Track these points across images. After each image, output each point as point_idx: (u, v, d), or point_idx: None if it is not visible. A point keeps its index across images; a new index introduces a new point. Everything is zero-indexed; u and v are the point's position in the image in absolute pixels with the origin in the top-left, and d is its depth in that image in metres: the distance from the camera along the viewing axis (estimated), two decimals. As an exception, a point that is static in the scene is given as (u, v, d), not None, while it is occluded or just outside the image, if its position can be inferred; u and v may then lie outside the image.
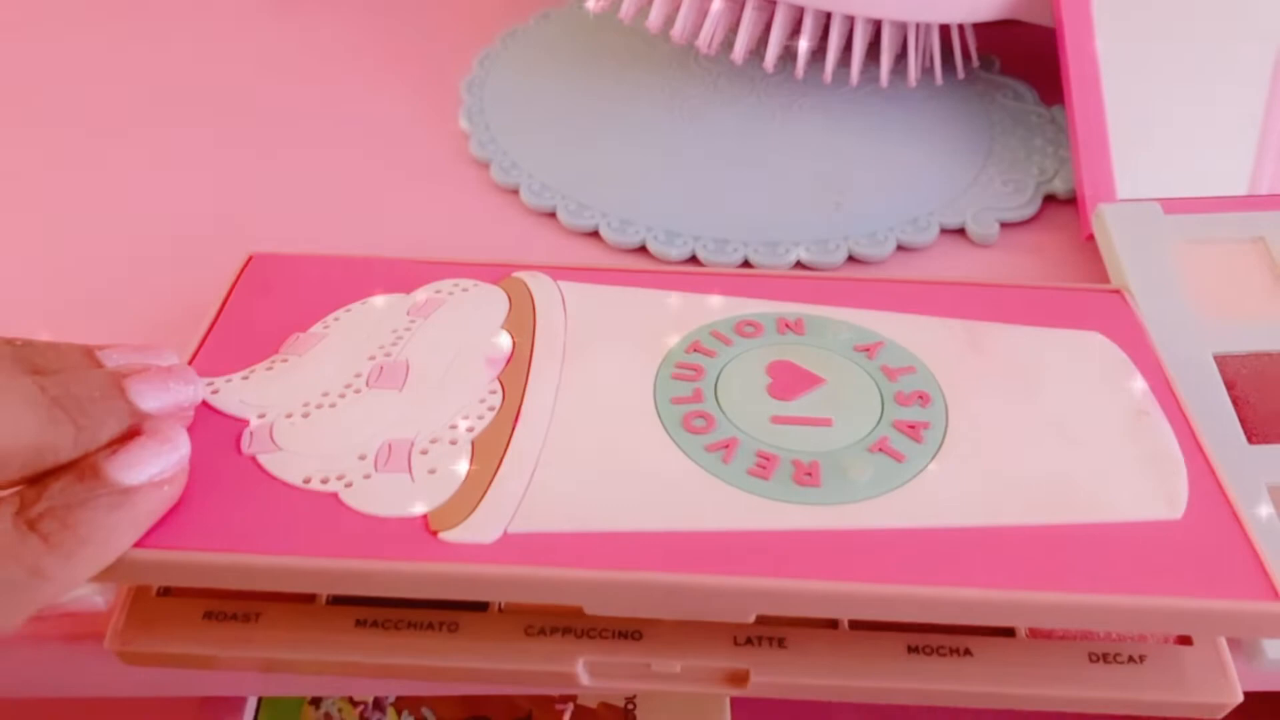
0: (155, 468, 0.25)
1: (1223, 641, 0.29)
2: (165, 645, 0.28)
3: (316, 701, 0.36)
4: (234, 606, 0.29)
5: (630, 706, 0.33)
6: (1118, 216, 0.38)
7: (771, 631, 0.29)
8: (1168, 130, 0.40)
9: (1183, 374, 0.34)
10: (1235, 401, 0.33)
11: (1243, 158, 0.40)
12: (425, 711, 0.34)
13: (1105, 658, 0.28)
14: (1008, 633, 0.29)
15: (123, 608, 0.29)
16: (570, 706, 0.33)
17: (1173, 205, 0.38)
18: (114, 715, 0.42)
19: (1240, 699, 0.28)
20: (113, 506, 0.24)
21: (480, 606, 0.29)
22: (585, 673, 0.28)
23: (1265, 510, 0.31)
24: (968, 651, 0.28)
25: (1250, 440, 0.32)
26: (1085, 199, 0.39)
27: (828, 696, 0.28)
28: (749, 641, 0.28)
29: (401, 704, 0.35)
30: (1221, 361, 0.34)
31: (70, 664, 0.30)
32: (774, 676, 0.28)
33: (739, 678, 0.28)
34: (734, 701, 0.40)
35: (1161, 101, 0.40)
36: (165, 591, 0.29)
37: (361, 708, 0.35)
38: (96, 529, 0.24)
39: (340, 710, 0.35)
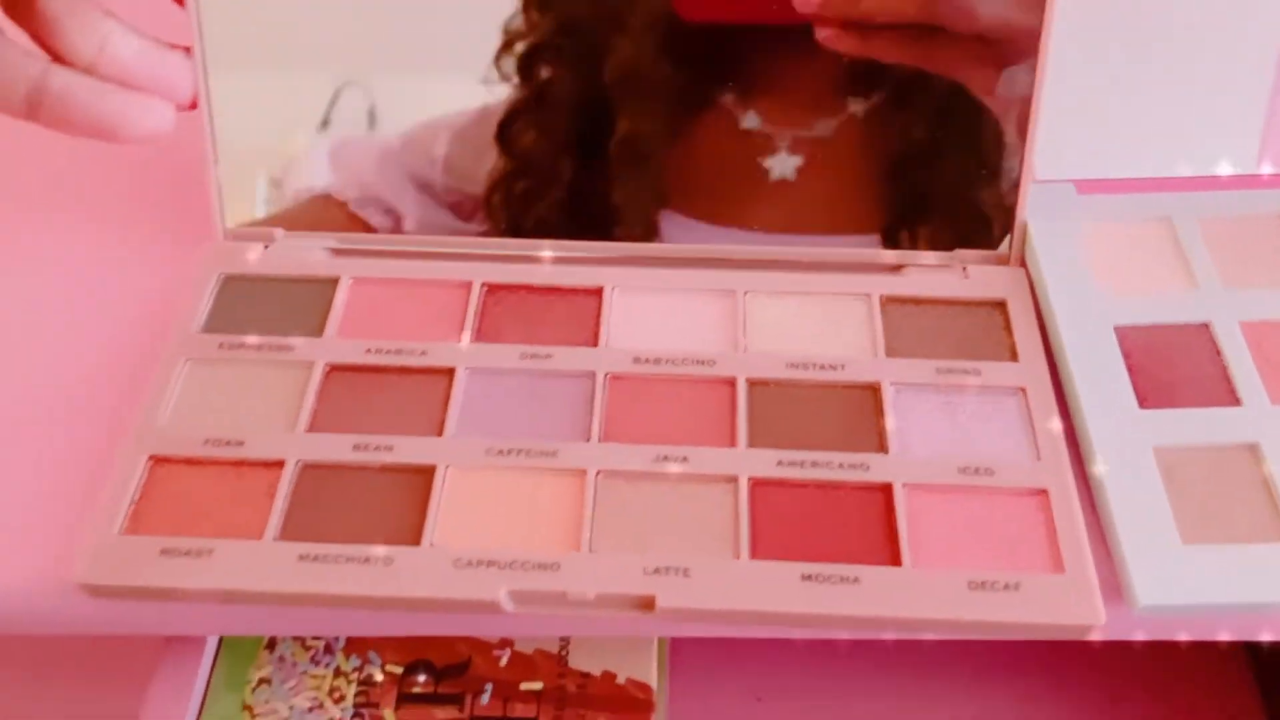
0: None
1: (1091, 569, 0.31)
2: (127, 578, 0.31)
3: (272, 645, 0.39)
4: (188, 544, 0.31)
5: (564, 652, 0.35)
6: (1032, 196, 0.39)
7: (677, 562, 0.31)
8: (1117, 108, 0.42)
9: (1083, 344, 0.36)
10: (1130, 370, 0.35)
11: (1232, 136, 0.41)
12: (371, 654, 0.36)
13: (984, 585, 0.31)
14: (895, 562, 0.32)
15: (86, 545, 0.32)
16: (507, 651, 0.35)
17: (1086, 186, 0.40)
18: (79, 657, 0.45)
19: (1103, 620, 0.31)
20: None
21: (414, 541, 0.32)
22: (508, 600, 0.31)
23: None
24: (856, 580, 0.31)
25: (1141, 405, 0.35)
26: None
27: (728, 621, 0.31)
28: (657, 571, 0.31)
29: (350, 648, 0.38)
30: (1121, 333, 0.36)
31: (37, 600, 0.32)
32: (679, 602, 0.31)
33: (647, 604, 0.31)
34: (673, 646, 0.42)
35: (1100, 80, 0.42)
36: (126, 530, 0.32)
37: (313, 651, 0.38)
38: None
39: (294, 653, 0.38)
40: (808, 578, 0.31)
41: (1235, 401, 0.35)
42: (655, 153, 0.39)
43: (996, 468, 0.34)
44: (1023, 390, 0.36)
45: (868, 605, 0.31)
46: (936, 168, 0.39)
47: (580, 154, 0.38)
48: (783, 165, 0.39)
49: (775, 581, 0.31)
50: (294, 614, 0.32)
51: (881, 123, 0.38)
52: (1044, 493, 0.33)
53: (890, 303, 0.38)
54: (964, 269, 0.39)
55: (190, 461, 0.34)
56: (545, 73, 0.38)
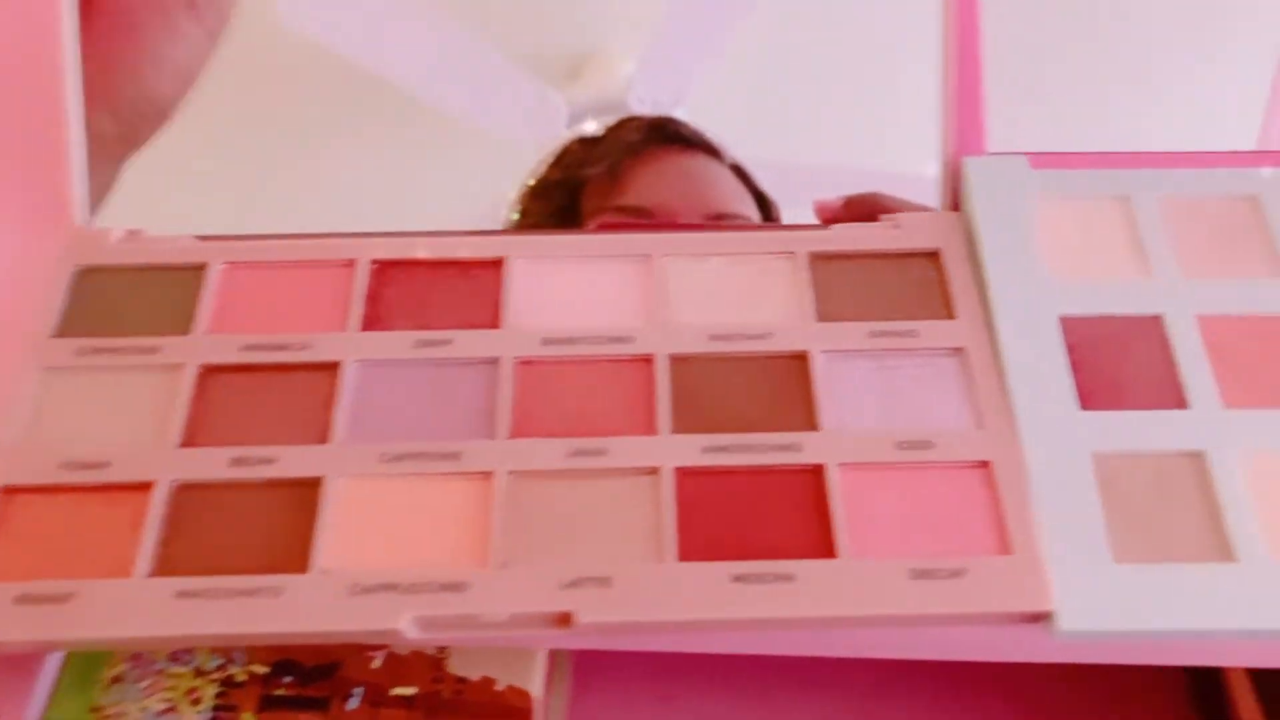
0: None
1: (1039, 551, 0.29)
2: (-23, 633, 0.28)
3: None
4: (47, 589, 0.28)
5: (443, 655, 0.33)
6: (980, 171, 0.36)
7: (596, 571, 0.29)
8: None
9: (1024, 336, 0.33)
10: (1074, 365, 0.32)
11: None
12: (236, 653, 0.34)
13: (926, 574, 0.29)
14: (830, 554, 0.29)
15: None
16: (383, 653, 0.33)
17: (1042, 160, 0.37)
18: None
19: (1052, 606, 0.29)
20: None
21: (302, 567, 0.29)
22: (413, 627, 0.28)
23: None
24: (791, 577, 0.29)
25: (1083, 406, 0.32)
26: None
27: (654, 632, 0.29)
28: (574, 583, 0.28)
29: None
30: (1067, 323, 0.33)
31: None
32: (599, 617, 0.28)
33: (563, 620, 0.28)
34: (576, 657, 0.40)
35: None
36: (-25, 577, 0.29)
37: (174, 648, 0.35)
38: None
39: (153, 650, 0.35)
40: (739, 579, 0.29)
41: (1181, 404, 0.32)
42: None
43: (935, 439, 0.31)
44: (961, 350, 0.33)
45: (802, 606, 0.28)
46: None
47: None
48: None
49: (703, 586, 0.29)
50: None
51: None
52: (987, 465, 0.31)
53: (818, 260, 0.35)
54: (895, 220, 0.36)
55: (46, 490, 0.30)
56: None
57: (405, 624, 0.28)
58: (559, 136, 0.37)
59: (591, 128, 0.37)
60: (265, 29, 0.35)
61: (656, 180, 0.37)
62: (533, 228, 0.37)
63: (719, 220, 0.37)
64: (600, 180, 0.37)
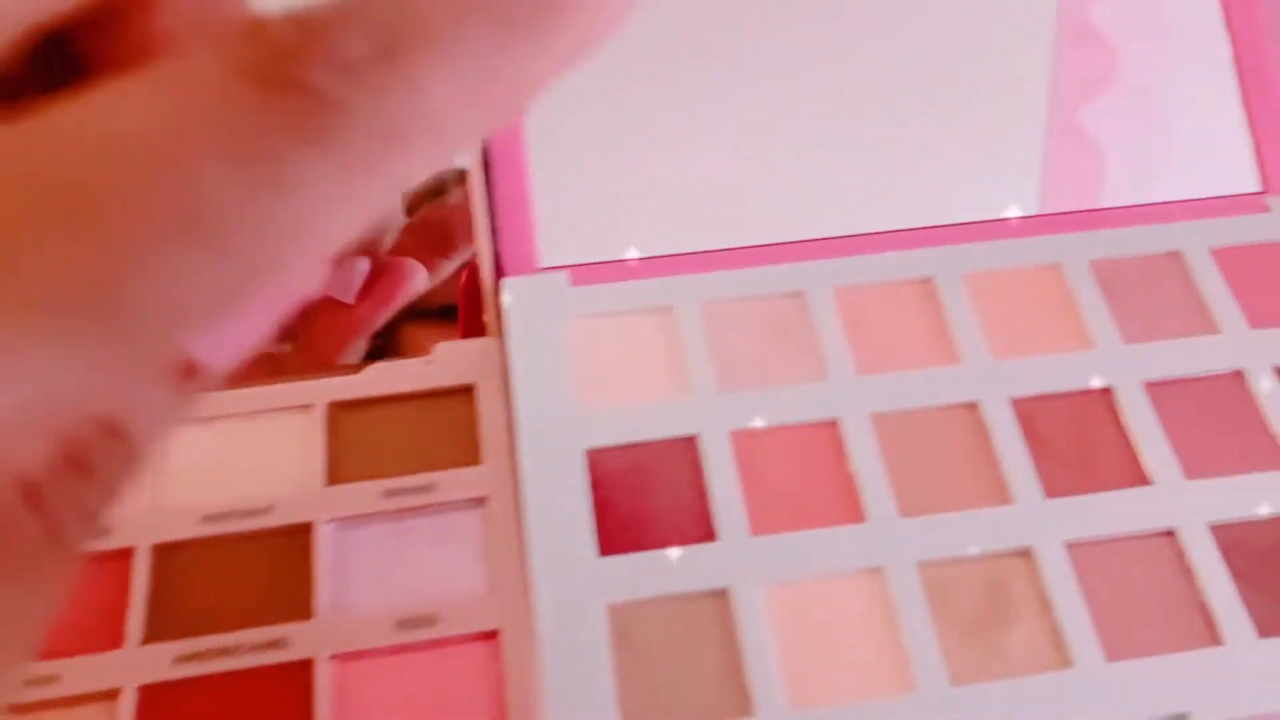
0: None
1: (529, 737, 0.27)
2: None
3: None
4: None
5: None
6: (517, 293, 0.34)
7: None
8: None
9: (545, 480, 0.30)
10: (598, 504, 0.30)
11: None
12: None
13: None
14: None
15: None
16: None
17: (584, 274, 0.34)
18: None
19: None
20: None
21: None
22: None
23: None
24: None
25: (602, 552, 0.29)
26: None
27: None
28: None
29: None
30: (594, 457, 0.31)
31: None
32: None
33: None
34: None
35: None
36: None
37: None
38: None
39: None
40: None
41: (710, 536, 0.30)
42: None
43: (441, 611, 0.29)
44: (484, 500, 0.31)
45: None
46: None
47: None
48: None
49: None
50: None
51: None
52: (494, 635, 0.29)
53: (339, 410, 0.33)
54: (429, 351, 0.34)
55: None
56: None
57: None
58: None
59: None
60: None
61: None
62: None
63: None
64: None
